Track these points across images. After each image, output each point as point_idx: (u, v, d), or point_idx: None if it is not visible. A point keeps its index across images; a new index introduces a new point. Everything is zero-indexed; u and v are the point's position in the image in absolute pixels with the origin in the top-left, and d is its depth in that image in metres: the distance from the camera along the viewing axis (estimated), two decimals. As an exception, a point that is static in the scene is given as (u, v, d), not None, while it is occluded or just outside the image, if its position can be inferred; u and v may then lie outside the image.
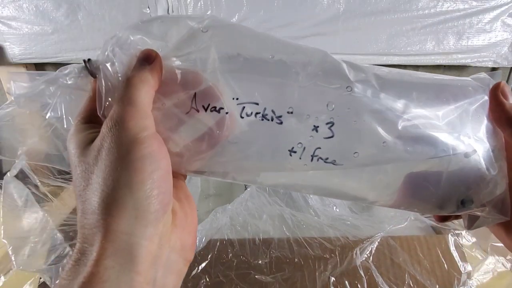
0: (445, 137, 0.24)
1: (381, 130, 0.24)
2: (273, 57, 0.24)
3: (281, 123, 0.24)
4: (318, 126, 0.24)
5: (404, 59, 0.91)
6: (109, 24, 0.86)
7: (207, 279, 0.52)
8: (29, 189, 0.58)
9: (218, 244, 0.56)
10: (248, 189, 0.62)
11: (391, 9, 0.84)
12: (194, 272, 0.53)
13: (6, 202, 0.56)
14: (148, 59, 0.23)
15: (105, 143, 0.20)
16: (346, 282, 0.51)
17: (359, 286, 0.50)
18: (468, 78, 0.27)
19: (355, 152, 0.24)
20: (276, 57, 0.24)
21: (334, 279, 0.51)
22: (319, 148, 0.24)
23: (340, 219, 0.60)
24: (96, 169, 0.20)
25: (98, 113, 0.23)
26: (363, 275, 0.51)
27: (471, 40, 0.88)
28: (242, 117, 0.24)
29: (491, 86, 0.26)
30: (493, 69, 0.97)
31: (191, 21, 0.24)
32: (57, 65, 0.92)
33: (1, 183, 0.56)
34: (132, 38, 0.24)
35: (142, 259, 0.19)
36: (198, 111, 0.24)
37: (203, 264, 0.54)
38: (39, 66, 0.96)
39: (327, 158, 0.24)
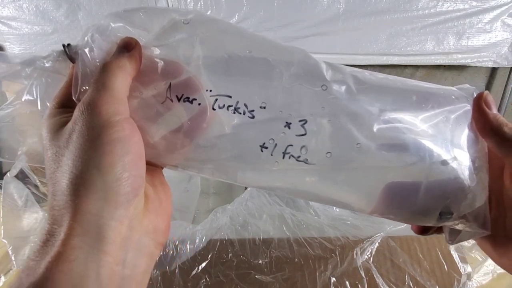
0: (422, 143, 0.24)
1: (355, 131, 0.23)
2: (250, 52, 0.24)
3: (253, 117, 0.24)
4: (290, 123, 0.23)
5: (404, 59, 0.91)
6: (109, 24, 0.86)
7: (207, 279, 0.52)
8: (29, 189, 0.58)
9: (218, 244, 0.56)
10: (248, 189, 0.62)
11: (391, 9, 0.84)
12: (194, 272, 0.53)
13: (6, 202, 0.56)
14: (127, 47, 0.23)
15: (76, 126, 0.20)
16: (347, 282, 0.51)
17: (359, 286, 0.51)
18: (452, 88, 0.26)
19: (328, 152, 0.24)
20: (254, 53, 0.24)
21: (334, 280, 0.51)
22: (291, 145, 0.24)
23: (340, 219, 0.60)
24: (66, 152, 0.20)
25: (73, 98, 0.23)
26: (363, 275, 0.51)
27: (471, 40, 0.89)
28: (214, 109, 0.24)
29: (474, 96, 0.25)
30: (493, 69, 0.97)
31: (174, 13, 0.24)
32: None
33: (1, 183, 0.56)
34: (113, 26, 0.23)
35: (111, 240, 0.19)
36: (172, 101, 0.23)
37: (203, 264, 0.54)
38: (39, 66, 0.96)
39: (299, 156, 0.24)
